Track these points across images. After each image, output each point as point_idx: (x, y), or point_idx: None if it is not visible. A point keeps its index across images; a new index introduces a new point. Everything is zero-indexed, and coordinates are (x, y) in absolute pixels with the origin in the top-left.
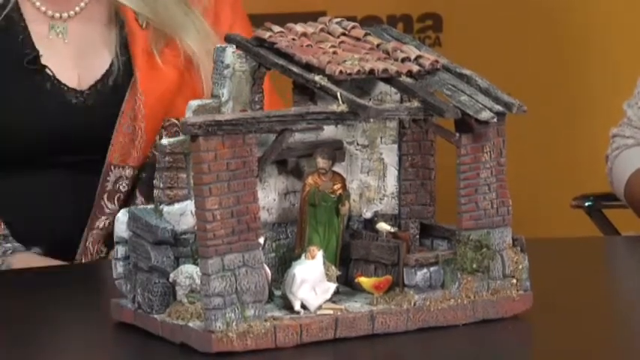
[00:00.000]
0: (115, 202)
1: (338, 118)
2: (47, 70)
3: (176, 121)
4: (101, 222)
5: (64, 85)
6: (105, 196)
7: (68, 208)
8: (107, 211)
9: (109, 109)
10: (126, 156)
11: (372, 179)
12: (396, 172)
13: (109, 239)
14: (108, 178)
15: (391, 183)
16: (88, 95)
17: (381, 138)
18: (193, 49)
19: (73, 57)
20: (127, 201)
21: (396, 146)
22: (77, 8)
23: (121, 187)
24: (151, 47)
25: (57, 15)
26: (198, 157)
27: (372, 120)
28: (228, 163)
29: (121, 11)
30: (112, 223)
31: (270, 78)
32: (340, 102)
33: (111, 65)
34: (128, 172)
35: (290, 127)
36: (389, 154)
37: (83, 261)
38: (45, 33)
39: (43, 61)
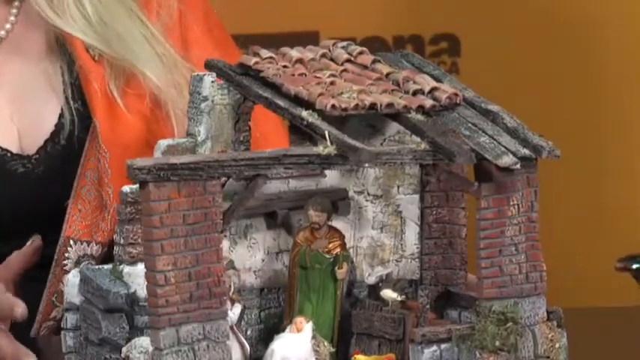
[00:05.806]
0: None
1: (323, 162)
2: None
3: None
4: (59, 312)
5: (6, 150)
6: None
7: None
8: None
9: (66, 175)
10: (92, 229)
11: (387, 237)
12: (418, 229)
13: None
14: (67, 255)
15: (411, 242)
16: (36, 161)
17: (398, 187)
18: (158, 85)
19: (7, 108)
20: None
21: (417, 197)
22: (2, 32)
23: None
24: (110, 87)
25: None
26: (147, 207)
27: (366, 165)
28: (185, 215)
29: (65, 40)
30: None
31: None
32: (328, 142)
33: (60, 116)
34: (95, 249)
35: (263, 173)
36: (408, 206)
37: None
38: None
39: None
